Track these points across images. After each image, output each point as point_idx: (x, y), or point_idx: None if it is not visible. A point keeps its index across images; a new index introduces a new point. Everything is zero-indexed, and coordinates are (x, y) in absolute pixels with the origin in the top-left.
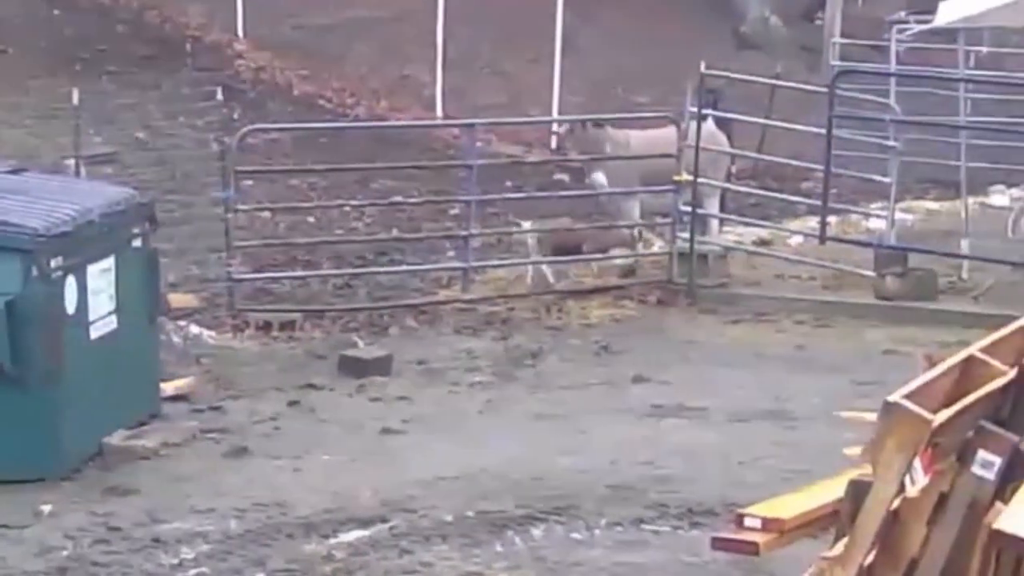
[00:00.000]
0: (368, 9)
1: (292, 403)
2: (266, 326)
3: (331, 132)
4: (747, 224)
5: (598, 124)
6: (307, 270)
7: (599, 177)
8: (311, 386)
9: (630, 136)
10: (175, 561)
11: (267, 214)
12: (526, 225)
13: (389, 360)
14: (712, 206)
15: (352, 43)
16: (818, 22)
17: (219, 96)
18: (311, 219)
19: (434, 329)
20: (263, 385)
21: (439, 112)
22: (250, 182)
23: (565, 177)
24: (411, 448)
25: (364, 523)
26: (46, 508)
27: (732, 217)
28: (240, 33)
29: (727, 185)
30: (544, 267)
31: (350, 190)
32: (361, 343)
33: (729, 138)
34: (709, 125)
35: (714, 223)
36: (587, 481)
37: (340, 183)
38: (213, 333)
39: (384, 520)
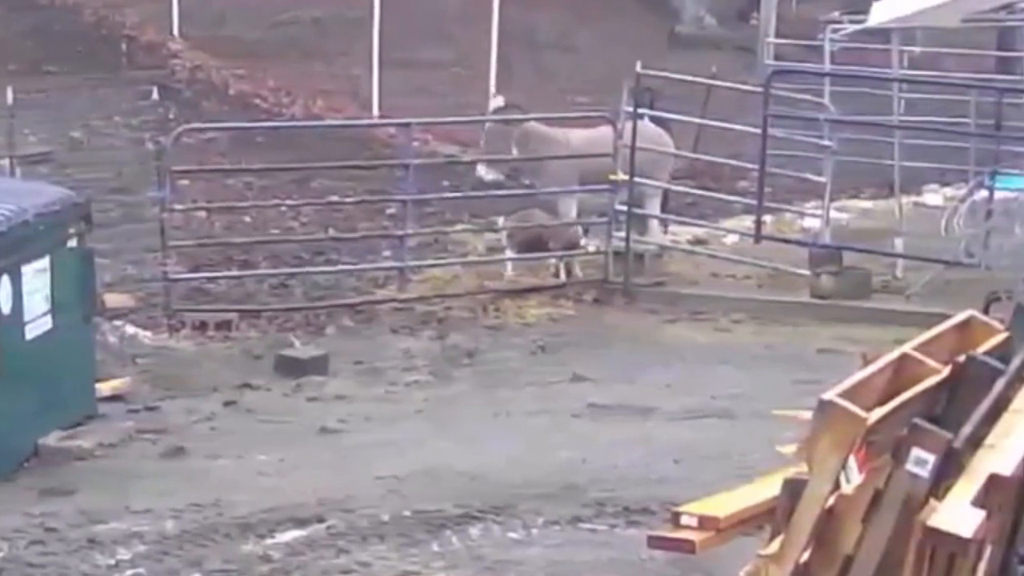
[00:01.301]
0: (305, 8)
1: (228, 403)
2: (202, 326)
3: (267, 131)
4: (683, 223)
5: (509, 122)
6: (243, 270)
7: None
8: (248, 386)
9: (570, 135)
10: (111, 562)
11: (203, 214)
12: (501, 221)
13: (326, 360)
14: (653, 206)
15: (289, 42)
16: (753, 22)
17: (155, 96)
18: (247, 219)
19: (371, 328)
20: (199, 385)
21: (375, 112)
22: (186, 181)
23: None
24: (348, 448)
25: (301, 523)
26: None
27: (669, 216)
28: (176, 33)
29: (665, 184)
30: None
31: (286, 190)
32: (298, 343)
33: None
34: (653, 125)
35: (654, 223)
36: (524, 480)
37: (276, 183)
38: (149, 333)
39: (321, 520)
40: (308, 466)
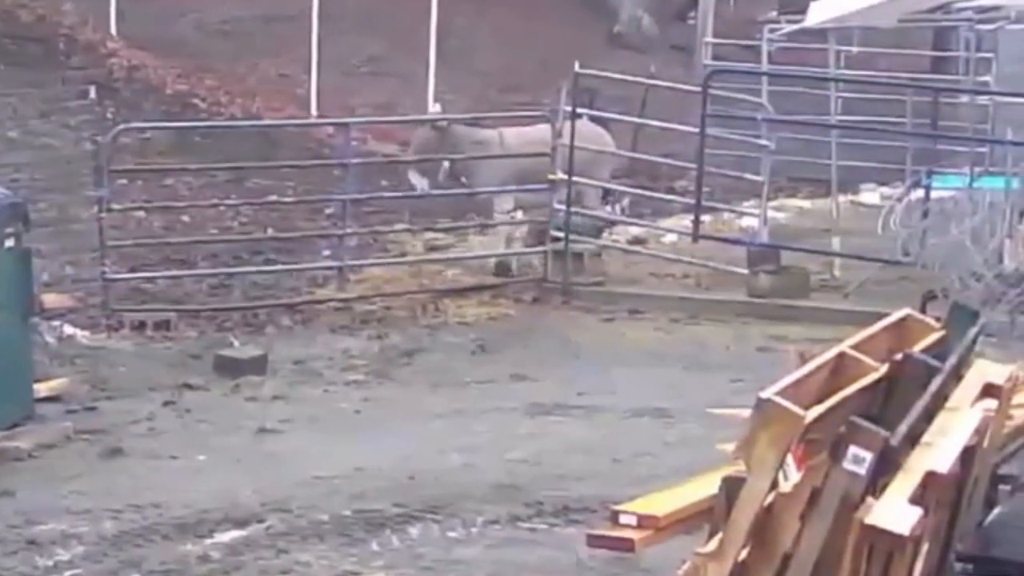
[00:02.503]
0: (243, 8)
1: (167, 403)
2: (140, 326)
3: (205, 131)
4: (622, 222)
5: (437, 126)
6: (182, 270)
7: (413, 177)
8: (186, 386)
9: (504, 134)
10: (50, 563)
11: (141, 213)
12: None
13: (264, 360)
14: (593, 204)
15: (227, 42)
16: (691, 22)
17: (92, 95)
18: (186, 218)
19: (310, 328)
20: (138, 385)
21: (314, 111)
22: (124, 181)
23: (419, 184)
24: (287, 448)
25: (240, 523)
26: None
27: (608, 215)
28: (114, 32)
29: (603, 184)
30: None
31: (225, 189)
32: (236, 343)
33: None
34: (593, 124)
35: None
36: (464, 479)
37: (215, 182)
38: (87, 333)
39: (261, 520)
40: (247, 466)
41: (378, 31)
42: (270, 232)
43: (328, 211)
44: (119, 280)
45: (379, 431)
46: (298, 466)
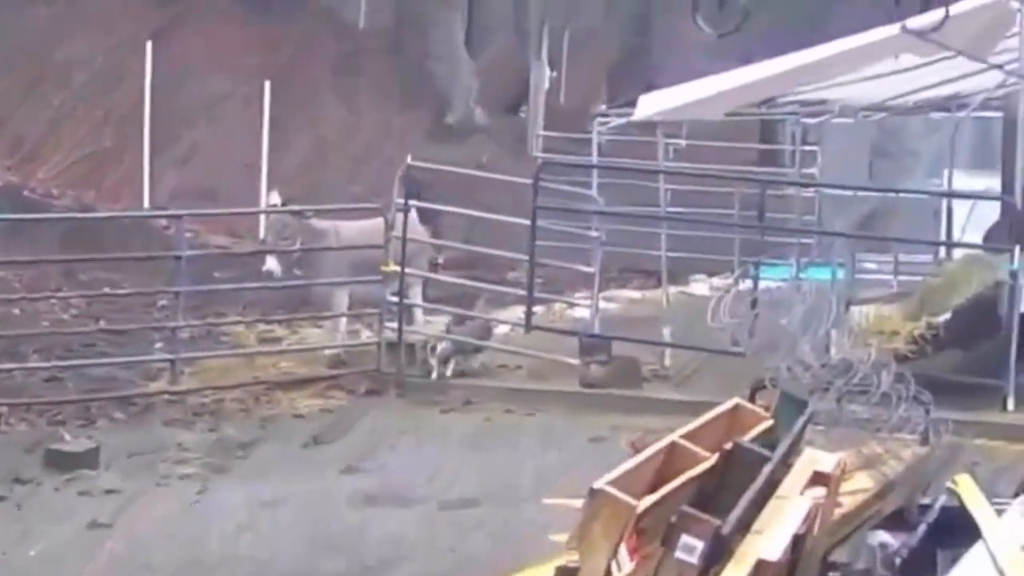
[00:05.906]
0: (76, 101)
1: None
2: None
3: (37, 223)
4: (453, 314)
5: (298, 214)
6: (13, 362)
7: (271, 262)
8: (17, 480)
9: (339, 227)
10: None
11: None
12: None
13: (97, 453)
14: (416, 296)
15: (59, 133)
16: (522, 114)
17: None
18: (17, 311)
19: (143, 421)
20: None
21: (146, 203)
22: None
23: (275, 268)
24: (120, 543)
25: None
26: None
27: (438, 307)
28: None
29: (429, 275)
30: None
31: (57, 281)
32: (68, 436)
33: (435, 228)
34: (410, 216)
35: (418, 312)
36: (296, 573)
37: (46, 274)
38: None
39: None
40: (78, 562)
41: (208, 121)
42: (102, 324)
43: (161, 303)
44: None
45: (213, 524)
46: (130, 561)
